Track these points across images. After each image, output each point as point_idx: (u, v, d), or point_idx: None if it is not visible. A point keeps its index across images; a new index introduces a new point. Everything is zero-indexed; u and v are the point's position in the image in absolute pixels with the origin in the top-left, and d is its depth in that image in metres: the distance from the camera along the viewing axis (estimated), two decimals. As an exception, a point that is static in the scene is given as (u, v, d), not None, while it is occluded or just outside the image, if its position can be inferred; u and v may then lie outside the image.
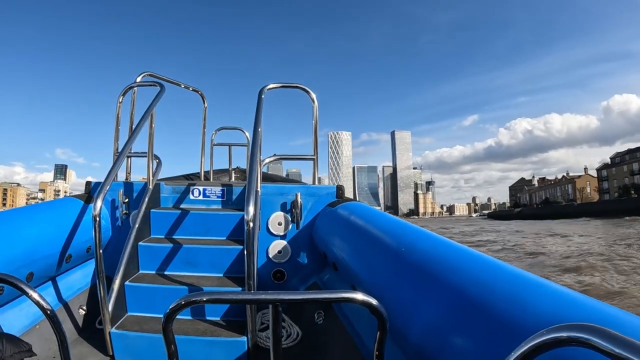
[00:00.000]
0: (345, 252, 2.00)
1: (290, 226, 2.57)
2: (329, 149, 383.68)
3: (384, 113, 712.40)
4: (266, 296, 0.86)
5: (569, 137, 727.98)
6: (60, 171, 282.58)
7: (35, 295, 1.16)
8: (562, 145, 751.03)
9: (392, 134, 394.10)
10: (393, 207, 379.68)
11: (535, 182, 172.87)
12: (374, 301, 0.83)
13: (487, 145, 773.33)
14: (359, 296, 0.84)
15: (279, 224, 2.56)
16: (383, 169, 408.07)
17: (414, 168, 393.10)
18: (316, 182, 2.89)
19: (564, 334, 0.55)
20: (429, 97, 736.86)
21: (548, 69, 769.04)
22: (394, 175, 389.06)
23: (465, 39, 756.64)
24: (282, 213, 2.58)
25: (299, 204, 2.52)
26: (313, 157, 2.84)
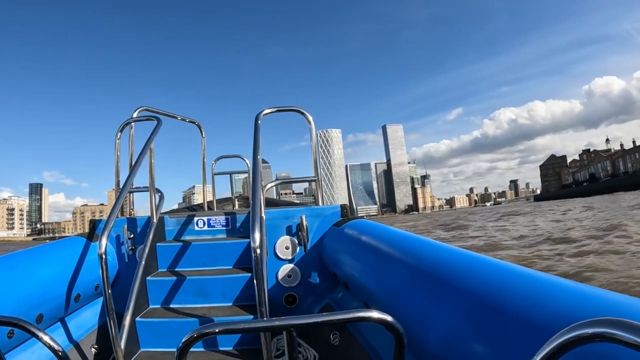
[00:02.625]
0: (356, 270, 2.00)
1: (298, 249, 2.55)
2: (320, 149, 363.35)
3: (368, 113, 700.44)
4: (279, 322, 0.85)
5: (554, 123, 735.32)
6: (35, 190, 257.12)
7: (46, 338, 1.15)
8: (547, 132, 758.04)
9: (384, 129, 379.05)
10: (389, 204, 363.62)
11: (612, 148, 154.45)
12: (389, 318, 0.81)
13: (473, 137, 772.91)
14: (374, 314, 0.82)
15: (286, 247, 2.55)
16: (375, 166, 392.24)
17: (409, 163, 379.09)
18: (320, 203, 2.84)
19: (588, 330, 0.53)
20: (412, 94, 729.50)
21: (528, 57, 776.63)
22: (388, 172, 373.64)
23: (445, 34, 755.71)
24: (288, 237, 2.57)
25: (305, 226, 2.50)
26: (314, 178, 2.82)
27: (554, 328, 0.65)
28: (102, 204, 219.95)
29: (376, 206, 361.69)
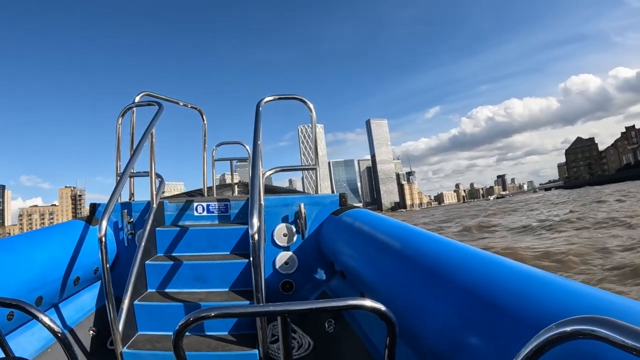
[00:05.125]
0: (352, 259, 2.01)
1: (296, 237, 2.58)
2: (301, 145, 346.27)
3: (347, 113, 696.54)
4: (274, 308, 0.86)
5: (532, 120, 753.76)
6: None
7: (45, 319, 1.16)
8: (525, 129, 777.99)
9: (368, 124, 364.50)
10: (373, 202, 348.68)
11: None
12: (382, 307, 0.83)
13: (451, 135, 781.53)
14: (368, 303, 0.83)
15: (284, 235, 2.57)
16: (358, 163, 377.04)
17: (395, 159, 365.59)
18: (319, 191, 2.87)
19: (572, 328, 0.55)
20: (391, 93, 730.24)
21: (506, 57, 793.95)
22: (372, 169, 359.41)
23: (425, 34, 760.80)
24: (286, 224, 2.59)
25: (303, 214, 2.52)
26: (315, 166, 2.84)
27: (543, 323, 0.65)
28: (53, 204, 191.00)
29: (361, 204, 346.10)
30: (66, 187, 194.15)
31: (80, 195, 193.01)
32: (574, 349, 0.64)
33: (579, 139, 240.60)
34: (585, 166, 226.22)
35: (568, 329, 0.55)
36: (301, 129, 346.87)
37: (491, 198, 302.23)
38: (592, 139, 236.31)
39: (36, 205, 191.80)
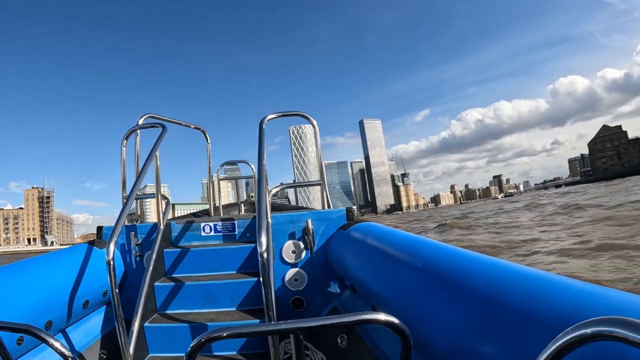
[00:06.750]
0: (363, 272, 2.01)
1: (304, 253, 2.58)
2: (292, 147, 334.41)
3: (335, 116, 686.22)
4: (286, 326, 0.84)
5: (521, 121, 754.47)
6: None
7: (55, 344, 1.16)
8: (514, 131, 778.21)
9: (361, 124, 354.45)
10: (367, 204, 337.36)
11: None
12: (395, 320, 0.81)
13: (441, 138, 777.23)
14: (381, 316, 0.81)
15: (293, 252, 2.58)
16: (351, 165, 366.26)
17: (390, 160, 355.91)
18: (326, 207, 2.87)
19: (591, 330, 0.53)
20: (380, 96, 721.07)
21: (493, 59, 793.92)
22: (365, 171, 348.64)
23: (411, 36, 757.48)
24: (294, 241, 2.60)
25: (311, 230, 2.51)
26: (320, 182, 2.86)
27: (560, 327, 0.63)
28: (20, 208, 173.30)
29: (355, 207, 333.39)
30: (33, 187, 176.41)
31: (48, 197, 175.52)
32: (593, 352, 0.61)
33: (605, 127, 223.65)
34: (615, 156, 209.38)
35: (587, 331, 0.53)
36: (292, 130, 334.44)
37: (499, 196, 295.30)
38: (619, 127, 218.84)
39: (1, 209, 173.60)
